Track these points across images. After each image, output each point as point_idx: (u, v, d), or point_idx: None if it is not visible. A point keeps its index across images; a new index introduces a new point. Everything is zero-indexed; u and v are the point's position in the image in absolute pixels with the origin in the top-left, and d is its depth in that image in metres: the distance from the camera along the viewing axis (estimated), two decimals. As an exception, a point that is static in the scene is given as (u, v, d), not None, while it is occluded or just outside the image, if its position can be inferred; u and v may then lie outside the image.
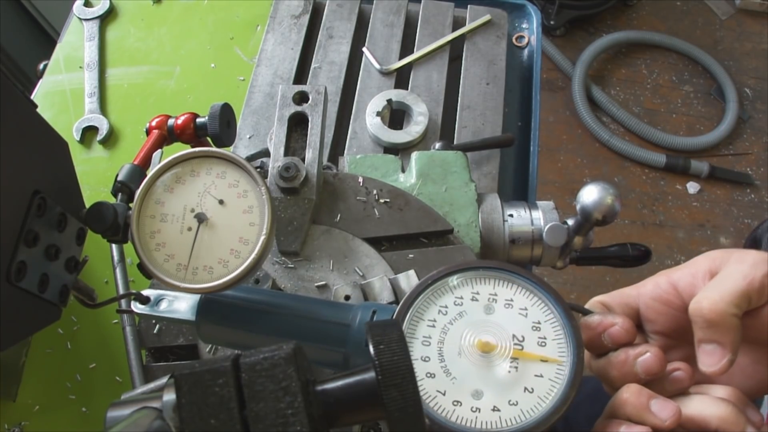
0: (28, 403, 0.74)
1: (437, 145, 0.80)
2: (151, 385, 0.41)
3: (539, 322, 0.45)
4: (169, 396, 0.34)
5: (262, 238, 0.47)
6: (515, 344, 0.45)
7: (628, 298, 0.51)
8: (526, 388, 0.43)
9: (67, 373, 0.76)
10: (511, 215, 0.69)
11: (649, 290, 0.50)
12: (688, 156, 2.29)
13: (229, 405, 0.33)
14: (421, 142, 0.86)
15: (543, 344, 0.45)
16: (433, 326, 0.46)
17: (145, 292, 0.53)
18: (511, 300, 0.46)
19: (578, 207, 0.61)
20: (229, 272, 0.47)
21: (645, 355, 0.44)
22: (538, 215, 0.68)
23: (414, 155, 0.71)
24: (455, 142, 0.85)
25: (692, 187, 2.27)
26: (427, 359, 0.44)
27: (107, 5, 1.01)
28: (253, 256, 0.47)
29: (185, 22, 1.02)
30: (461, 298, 0.47)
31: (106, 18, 1.02)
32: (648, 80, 2.50)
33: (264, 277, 0.59)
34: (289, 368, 0.34)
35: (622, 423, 0.43)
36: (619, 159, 2.32)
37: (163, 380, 0.38)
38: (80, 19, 1.01)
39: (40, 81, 0.97)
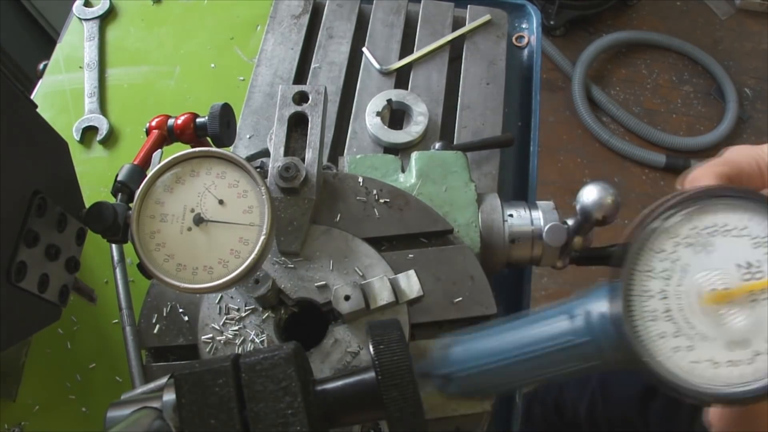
0: (28, 403, 0.74)
1: (437, 145, 0.80)
2: (151, 385, 0.41)
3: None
4: (169, 396, 0.34)
5: (262, 238, 0.47)
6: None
7: (758, 158, 0.40)
8: None
9: (67, 373, 0.76)
10: (511, 215, 0.69)
11: None
12: (688, 156, 2.29)
13: (229, 405, 0.33)
14: (421, 142, 0.86)
15: None
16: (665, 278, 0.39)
17: None
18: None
19: (578, 207, 0.61)
20: (229, 272, 0.47)
21: None
22: (538, 215, 0.68)
23: (414, 155, 0.71)
24: (455, 142, 0.85)
25: (692, 187, 2.27)
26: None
27: (107, 5, 1.01)
28: (253, 256, 0.47)
29: (185, 22, 1.02)
30: (686, 237, 0.39)
31: (106, 18, 1.02)
32: (648, 80, 2.49)
33: (264, 277, 0.59)
34: (289, 368, 0.34)
35: None
36: (619, 159, 2.32)
37: (163, 380, 0.38)
38: (80, 19, 1.01)
39: (40, 81, 0.97)
